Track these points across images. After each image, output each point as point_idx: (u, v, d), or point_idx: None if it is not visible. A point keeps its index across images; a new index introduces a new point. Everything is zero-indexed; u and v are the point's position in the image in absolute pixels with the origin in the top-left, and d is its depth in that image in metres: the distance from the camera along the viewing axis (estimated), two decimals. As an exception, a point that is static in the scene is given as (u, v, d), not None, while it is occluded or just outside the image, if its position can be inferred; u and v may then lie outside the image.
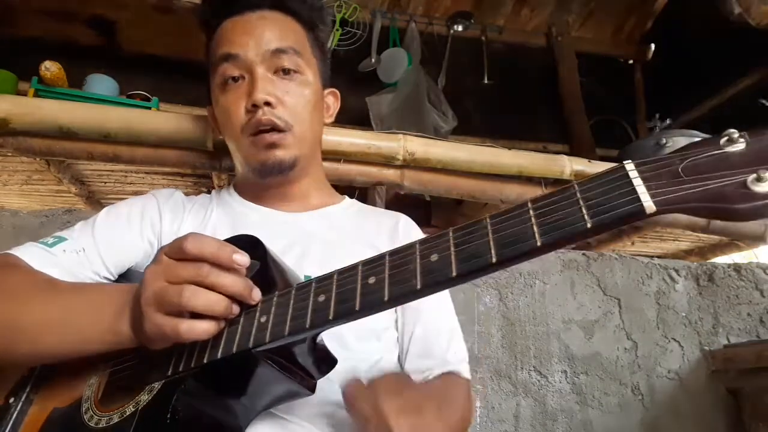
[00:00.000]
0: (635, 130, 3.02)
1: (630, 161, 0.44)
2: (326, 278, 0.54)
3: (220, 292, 0.53)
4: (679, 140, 2.04)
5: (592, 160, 1.49)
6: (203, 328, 0.53)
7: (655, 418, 1.34)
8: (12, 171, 1.49)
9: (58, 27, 2.55)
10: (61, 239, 0.80)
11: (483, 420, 1.26)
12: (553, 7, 3.07)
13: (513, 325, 1.38)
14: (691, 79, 2.87)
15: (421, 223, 0.98)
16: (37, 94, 1.41)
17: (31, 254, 0.74)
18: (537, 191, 1.49)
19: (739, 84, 2.61)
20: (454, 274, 0.46)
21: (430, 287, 0.47)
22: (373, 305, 0.49)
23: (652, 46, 3.24)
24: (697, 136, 2.05)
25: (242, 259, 0.54)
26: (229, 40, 0.87)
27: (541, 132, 2.98)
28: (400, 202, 1.58)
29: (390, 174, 1.40)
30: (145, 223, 0.86)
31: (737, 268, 1.49)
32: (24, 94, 1.42)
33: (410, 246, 0.50)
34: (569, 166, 1.44)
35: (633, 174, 0.43)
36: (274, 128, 0.84)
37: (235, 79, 0.86)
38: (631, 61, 3.28)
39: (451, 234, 0.48)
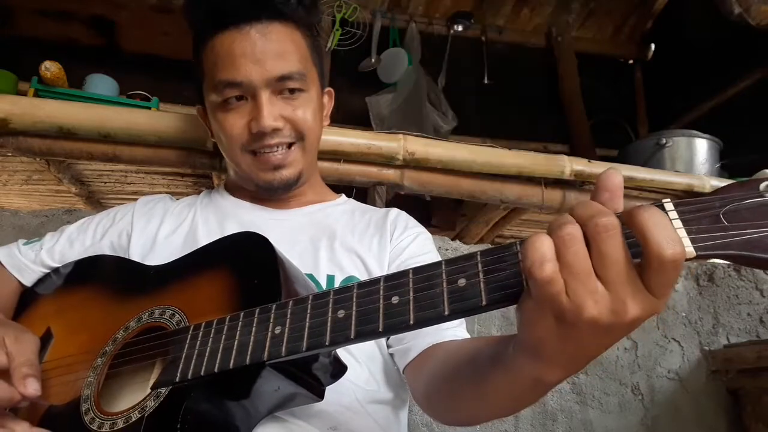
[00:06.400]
0: (635, 130, 3.02)
1: (669, 200, 0.42)
2: (345, 291, 0.51)
3: None
4: (679, 140, 2.05)
5: (592, 160, 1.49)
6: None
7: (655, 418, 1.34)
8: (12, 171, 1.49)
9: (58, 27, 2.55)
10: (38, 241, 0.89)
11: (483, 420, 1.26)
12: (553, 7, 3.07)
13: (513, 325, 1.37)
14: (691, 79, 2.87)
15: (421, 223, 0.97)
16: (37, 94, 1.41)
17: (3, 252, 0.87)
18: (537, 191, 1.49)
19: (739, 84, 2.61)
20: (484, 303, 0.44)
21: (458, 314, 0.45)
22: (396, 327, 0.47)
23: (652, 46, 3.24)
24: (697, 136, 2.05)
25: (26, 390, 0.59)
26: (231, 65, 0.81)
27: (541, 132, 2.99)
28: (400, 202, 1.58)
29: (390, 174, 1.40)
30: (112, 231, 0.90)
31: (737, 268, 1.49)
32: (24, 94, 1.42)
33: (435, 265, 0.47)
34: (569, 166, 1.44)
35: (673, 215, 0.41)
36: (280, 146, 0.84)
37: (237, 98, 0.83)
38: (631, 61, 3.29)
39: (479, 258, 0.46)
